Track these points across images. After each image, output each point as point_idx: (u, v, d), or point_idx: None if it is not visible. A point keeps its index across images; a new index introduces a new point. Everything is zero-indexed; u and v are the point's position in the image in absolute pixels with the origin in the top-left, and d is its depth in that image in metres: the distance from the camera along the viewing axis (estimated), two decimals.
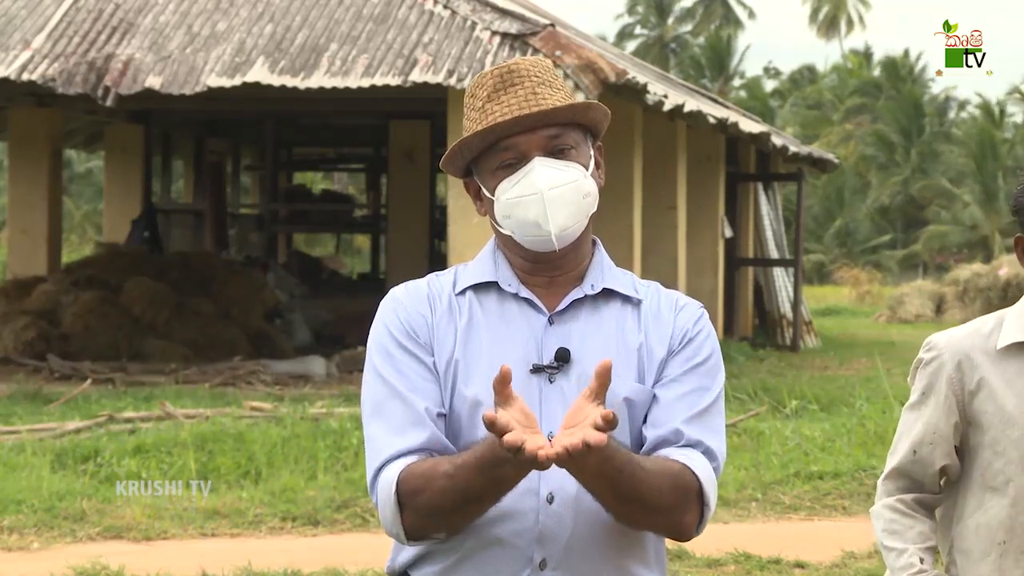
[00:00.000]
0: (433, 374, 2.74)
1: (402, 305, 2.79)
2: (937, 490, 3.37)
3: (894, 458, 3.38)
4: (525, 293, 2.78)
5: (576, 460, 2.48)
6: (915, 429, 3.35)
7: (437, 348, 2.75)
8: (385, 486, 2.67)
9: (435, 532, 2.69)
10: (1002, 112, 51.86)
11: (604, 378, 2.53)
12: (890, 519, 3.35)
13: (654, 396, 2.75)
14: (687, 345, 2.78)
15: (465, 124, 2.78)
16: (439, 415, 2.72)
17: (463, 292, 2.80)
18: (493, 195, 2.76)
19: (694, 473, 2.68)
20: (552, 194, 2.71)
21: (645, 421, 2.75)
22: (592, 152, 2.81)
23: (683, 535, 2.71)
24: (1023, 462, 3.23)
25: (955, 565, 3.35)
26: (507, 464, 2.54)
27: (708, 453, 2.72)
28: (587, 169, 2.77)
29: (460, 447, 2.70)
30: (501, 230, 2.78)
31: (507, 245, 2.81)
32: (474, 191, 2.82)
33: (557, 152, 2.74)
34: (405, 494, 2.65)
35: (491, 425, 2.46)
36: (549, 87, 2.76)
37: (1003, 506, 3.25)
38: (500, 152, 2.74)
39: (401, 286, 2.85)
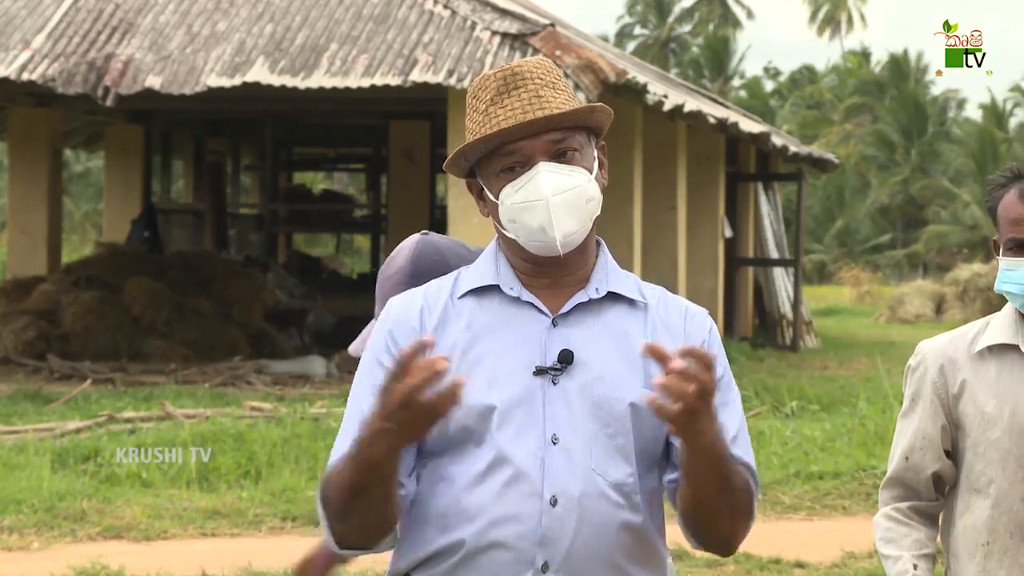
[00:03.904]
0: None
1: (393, 319, 2.78)
2: (934, 497, 3.38)
3: (890, 467, 3.41)
4: (527, 297, 2.75)
5: (704, 405, 2.46)
6: (906, 436, 3.38)
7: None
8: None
9: (353, 538, 2.67)
10: (1006, 113, 51.84)
11: (656, 355, 2.49)
12: (886, 528, 3.37)
13: None
14: None
15: (468, 126, 2.76)
16: None
17: (463, 297, 2.77)
18: (497, 199, 2.73)
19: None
20: (557, 200, 2.68)
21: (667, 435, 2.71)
22: (596, 153, 2.78)
23: (731, 547, 2.71)
24: (1003, 463, 3.24)
25: (950, 570, 3.37)
26: (380, 437, 2.53)
27: (752, 473, 2.71)
28: (591, 172, 2.74)
29: (477, 455, 2.66)
30: (506, 233, 2.75)
31: (510, 248, 2.78)
32: (476, 192, 2.80)
33: (561, 156, 2.72)
34: (322, 502, 2.68)
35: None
36: (552, 89, 2.73)
37: (985, 507, 3.27)
38: (504, 156, 2.71)
39: (398, 296, 2.83)
